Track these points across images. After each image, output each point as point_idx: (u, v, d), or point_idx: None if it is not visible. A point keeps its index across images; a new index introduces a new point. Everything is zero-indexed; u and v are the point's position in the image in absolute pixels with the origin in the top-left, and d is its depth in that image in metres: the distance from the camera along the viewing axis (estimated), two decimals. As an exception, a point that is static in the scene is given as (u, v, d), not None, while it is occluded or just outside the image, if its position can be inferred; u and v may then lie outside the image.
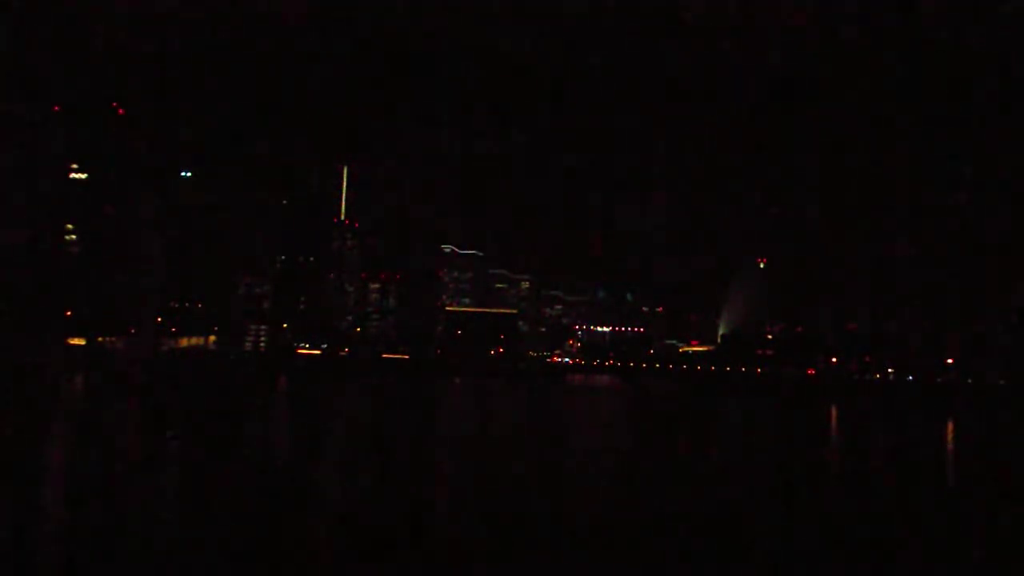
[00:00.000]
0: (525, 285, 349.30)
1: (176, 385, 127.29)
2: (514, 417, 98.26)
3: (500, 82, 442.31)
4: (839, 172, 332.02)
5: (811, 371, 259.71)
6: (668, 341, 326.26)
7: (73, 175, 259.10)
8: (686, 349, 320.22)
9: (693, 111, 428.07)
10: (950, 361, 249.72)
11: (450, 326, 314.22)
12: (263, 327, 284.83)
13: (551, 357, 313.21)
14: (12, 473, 40.36)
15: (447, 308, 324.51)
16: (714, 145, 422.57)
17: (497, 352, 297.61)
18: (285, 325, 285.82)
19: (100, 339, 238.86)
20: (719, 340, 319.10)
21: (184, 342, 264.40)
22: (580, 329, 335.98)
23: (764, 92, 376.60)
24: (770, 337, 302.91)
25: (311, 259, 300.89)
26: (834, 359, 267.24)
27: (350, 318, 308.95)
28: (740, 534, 34.03)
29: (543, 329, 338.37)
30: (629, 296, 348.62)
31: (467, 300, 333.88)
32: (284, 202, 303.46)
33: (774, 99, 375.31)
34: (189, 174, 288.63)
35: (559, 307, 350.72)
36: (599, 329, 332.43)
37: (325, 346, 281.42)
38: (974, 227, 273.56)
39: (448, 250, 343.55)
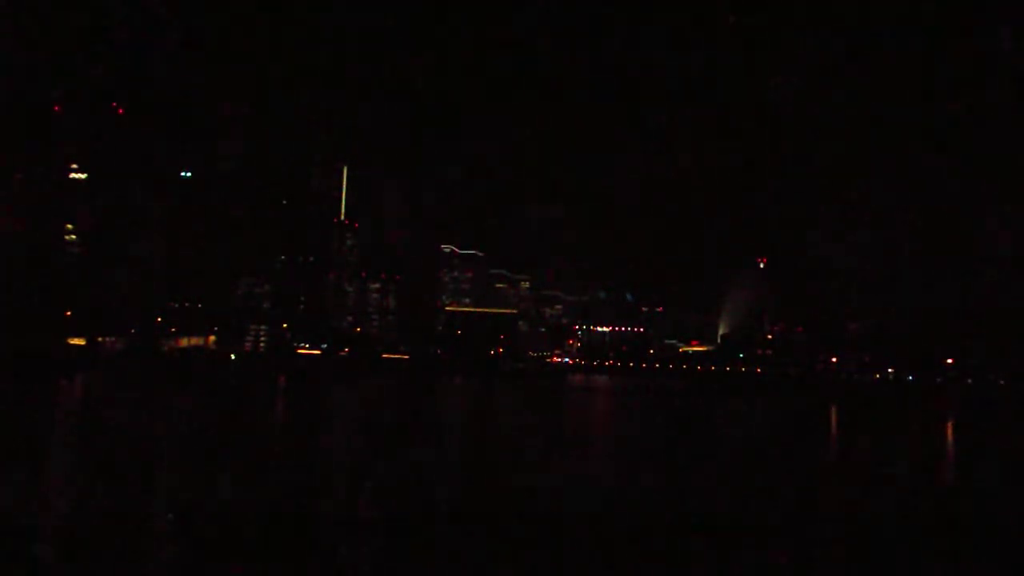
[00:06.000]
0: (525, 285, 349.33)
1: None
2: (514, 417, 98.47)
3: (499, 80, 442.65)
4: (841, 172, 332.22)
5: (811, 371, 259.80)
6: (668, 341, 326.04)
7: (73, 175, 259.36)
8: (686, 349, 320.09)
9: (696, 109, 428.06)
10: (950, 361, 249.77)
11: (450, 326, 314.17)
12: (263, 327, 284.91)
13: (551, 357, 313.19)
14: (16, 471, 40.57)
15: (447, 308, 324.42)
16: (715, 144, 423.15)
17: (497, 352, 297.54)
18: (285, 325, 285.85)
19: (100, 339, 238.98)
20: (719, 340, 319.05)
21: (184, 342, 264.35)
22: (580, 329, 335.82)
23: (767, 90, 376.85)
24: (770, 337, 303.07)
25: (311, 259, 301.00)
26: (834, 359, 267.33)
27: (350, 318, 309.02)
28: (740, 534, 34.08)
29: (543, 329, 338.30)
30: (629, 296, 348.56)
31: (467, 300, 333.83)
32: (284, 202, 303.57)
33: (779, 96, 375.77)
34: (189, 174, 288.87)
35: (559, 307, 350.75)
36: (599, 329, 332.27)
37: (325, 346, 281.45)
38: (974, 227, 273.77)
39: (448, 250, 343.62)
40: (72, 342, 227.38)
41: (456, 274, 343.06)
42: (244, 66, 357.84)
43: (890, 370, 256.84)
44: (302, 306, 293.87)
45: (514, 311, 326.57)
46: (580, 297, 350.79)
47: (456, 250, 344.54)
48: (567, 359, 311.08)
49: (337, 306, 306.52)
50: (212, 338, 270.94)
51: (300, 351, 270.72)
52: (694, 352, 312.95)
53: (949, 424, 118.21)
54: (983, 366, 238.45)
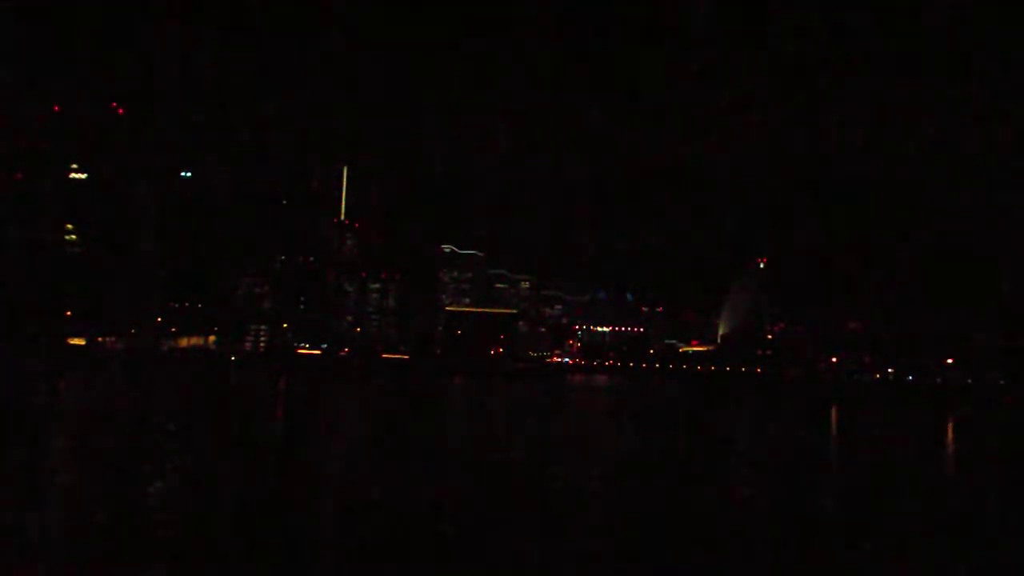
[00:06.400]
0: (525, 285, 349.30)
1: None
2: (514, 417, 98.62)
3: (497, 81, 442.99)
4: (841, 171, 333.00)
5: (811, 371, 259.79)
6: (668, 341, 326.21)
7: (73, 175, 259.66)
8: (686, 349, 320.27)
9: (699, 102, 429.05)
10: (950, 361, 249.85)
11: (450, 326, 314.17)
12: (263, 327, 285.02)
13: (551, 357, 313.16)
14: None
15: (447, 308, 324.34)
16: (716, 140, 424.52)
17: (497, 352, 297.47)
18: (285, 325, 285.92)
19: (100, 339, 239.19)
20: (719, 340, 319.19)
21: (184, 342, 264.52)
22: (580, 329, 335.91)
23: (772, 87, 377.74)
24: (770, 337, 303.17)
25: (311, 259, 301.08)
26: (834, 359, 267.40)
27: (350, 318, 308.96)
28: (741, 534, 34.12)
29: (543, 329, 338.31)
30: (629, 296, 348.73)
31: (467, 300, 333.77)
32: (284, 202, 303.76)
33: (783, 95, 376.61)
34: (189, 174, 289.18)
35: (559, 307, 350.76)
36: (599, 329, 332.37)
37: (325, 346, 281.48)
38: (973, 227, 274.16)
39: (448, 250, 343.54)
40: (72, 342, 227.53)
41: (456, 274, 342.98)
42: (244, 67, 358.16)
43: (890, 370, 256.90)
44: (302, 306, 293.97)
45: (514, 311, 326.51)
46: (580, 297, 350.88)
47: (456, 250, 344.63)
48: (567, 359, 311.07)
49: (337, 306, 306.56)
50: (212, 338, 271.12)
51: (300, 351, 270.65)
52: (694, 352, 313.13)
53: (949, 424, 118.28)
54: (983, 366, 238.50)
